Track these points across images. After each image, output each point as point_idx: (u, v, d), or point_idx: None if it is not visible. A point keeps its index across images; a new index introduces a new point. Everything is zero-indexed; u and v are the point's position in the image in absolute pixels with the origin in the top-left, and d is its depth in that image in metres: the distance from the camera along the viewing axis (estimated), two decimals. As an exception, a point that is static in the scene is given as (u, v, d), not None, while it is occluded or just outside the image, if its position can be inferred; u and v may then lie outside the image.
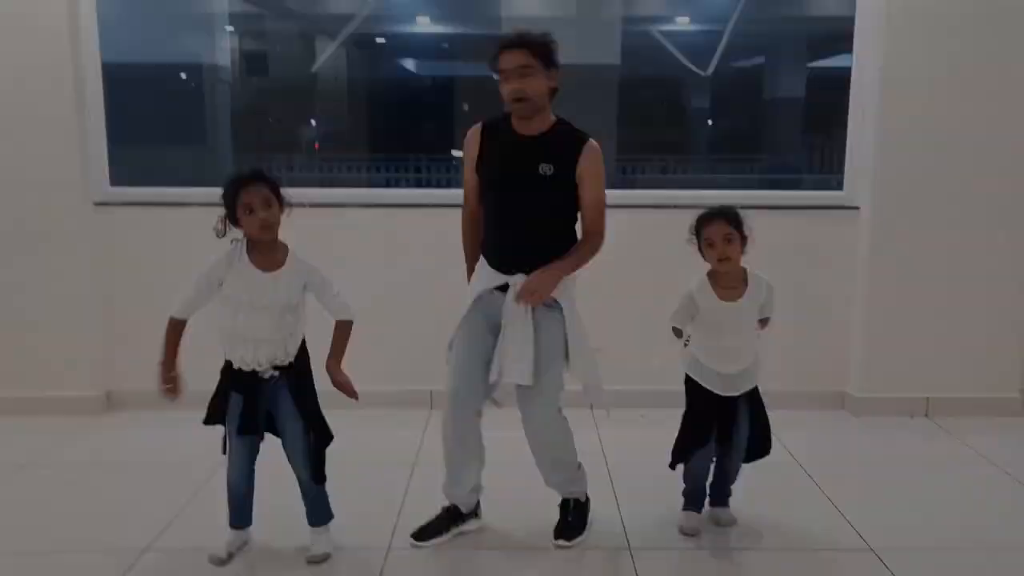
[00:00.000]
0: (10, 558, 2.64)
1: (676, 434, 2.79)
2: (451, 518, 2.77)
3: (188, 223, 3.39)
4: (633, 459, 3.42)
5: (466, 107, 5.49)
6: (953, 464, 3.47)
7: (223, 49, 6.37)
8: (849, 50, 4.00)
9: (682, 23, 8.04)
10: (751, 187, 6.59)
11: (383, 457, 3.45)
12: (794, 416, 3.62)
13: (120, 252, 3.95)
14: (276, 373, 2.46)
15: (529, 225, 2.60)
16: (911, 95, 3.78)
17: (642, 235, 3.91)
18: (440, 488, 2.78)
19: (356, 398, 2.53)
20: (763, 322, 2.74)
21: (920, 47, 3.75)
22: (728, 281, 2.64)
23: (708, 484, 2.84)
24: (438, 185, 6.47)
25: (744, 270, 2.66)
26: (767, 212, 3.96)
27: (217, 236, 2.42)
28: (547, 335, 2.58)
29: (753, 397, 2.76)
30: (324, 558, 2.57)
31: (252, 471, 2.57)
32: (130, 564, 2.57)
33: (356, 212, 4.05)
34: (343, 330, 2.57)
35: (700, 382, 2.71)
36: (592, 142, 2.57)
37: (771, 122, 8.32)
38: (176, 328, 2.48)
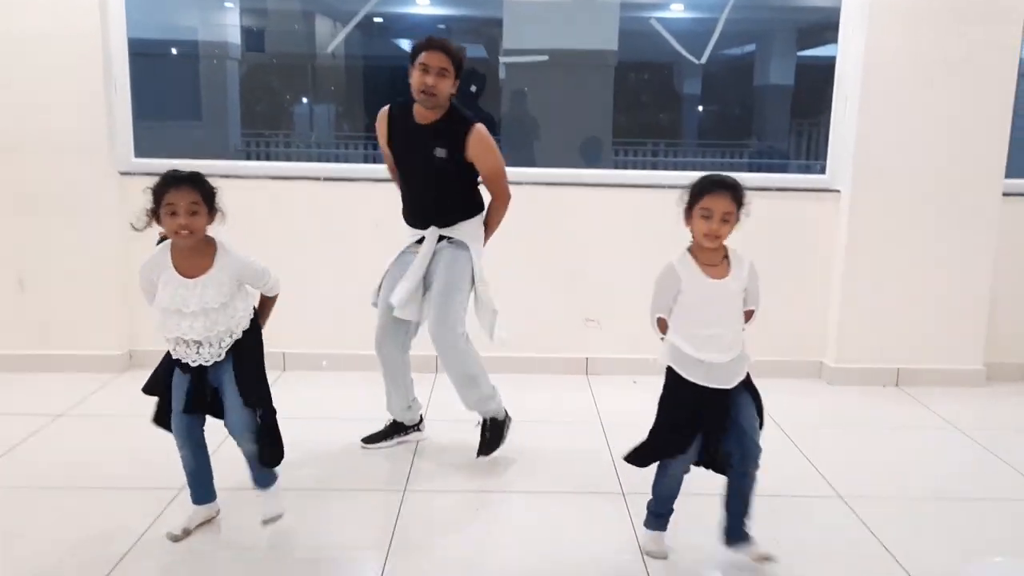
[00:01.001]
0: (65, 491, 2.91)
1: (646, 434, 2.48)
2: (395, 429, 3.38)
3: None
4: (625, 419, 3.70)
5: (473, 89, 5.70)
6: (919, 427, 3.76)
7: (233, 27, 6.55)
8: (836, 40, 4.26)
9: (677, 10, 8.26)
10: (739, 171, 6.81)
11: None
12: (773, 383, 3.85)
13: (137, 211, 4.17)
14: (221, 356, 2.45)
15: (434, 194, 3.11)
16: (891, 86, 4.05)
17: (634, 213, 4.20)
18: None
19: None
20: (748, 314, 2.46)
21: (900, 39, 4.01)
22: (710, 258, 2.39)
23: (723, 514, 2.50)
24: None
25: (725, 247, 2.41)
26: (753, 193, 4.25)
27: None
28: (450, 271, 3.08)
29: (750, 387, 2.45)
30: (277, 518, 2.59)
31: (202, 446, 2.57)
32: (169, 499, 2.82)
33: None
34: (269, 302, 2.63)
35: (684, 375, 2.38)
36: (476, 127, 2.99)
37: (761, 109, 8.55)
38: None
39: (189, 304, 2.36)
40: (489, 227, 3.20)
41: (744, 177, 4.62)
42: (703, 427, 2.39)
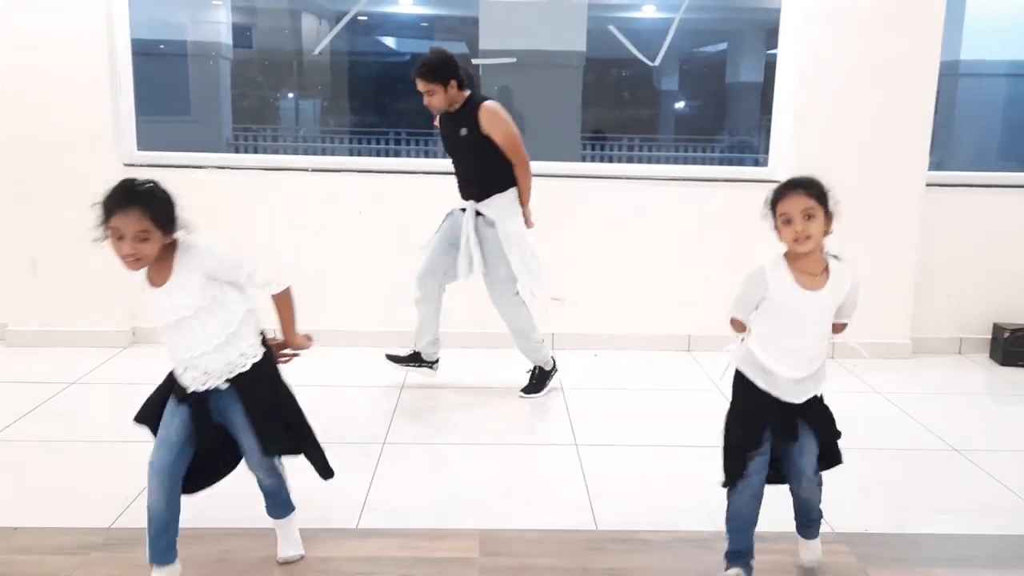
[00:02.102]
0: (86, 444, 3.32)
1: (722, 449, 2.33)
2: (414, 358, 4.01)
3: (203, 183, 4.33)
4: (585, 386, 4.15)
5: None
6: (848, 394, 4.18)
7: (224, 26, 6.90)
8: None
9: (648, 11, 8.67)
10: (707, 164, 7.21)
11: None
12: (714, 356, 4.34)
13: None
14: (225, 385, 2.21)
15: (466, 168, 3.83)
16: (825, 86, 4.48)
17: (594, 202, 4.64)
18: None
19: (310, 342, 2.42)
20: (840, 326, 2.29)
21: (833, 45, 4.44)
22: (807, 266, 2.19)
23: (794, 515, 2.42)
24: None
25: (826, 258, 2.22)
26: (702, 184, 4.72)
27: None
28: (487, 245, 3.76)
29: (820, 410, 2.32)
30: (297, 559, 2.46)
31: (178, 494, 2.24)
32: (177, 451, 3.22)
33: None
34: (282, 301, 2.33)
35: (755, 381, 2.25)
36: (484, 104, 3.68)
37: (732, 105, 8.97)
38: None
39: (164, 314, 2.13)
40: (522, 194, 3.80)
41: (693, 169, 5.16)
42: (772, 430, 2.25)
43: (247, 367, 2.20)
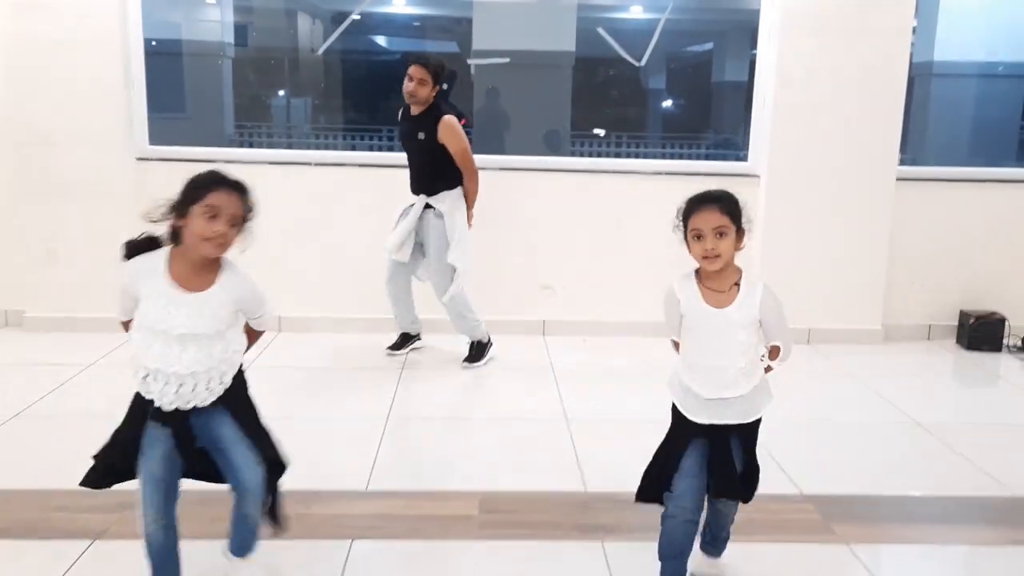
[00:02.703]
0: (109, 420, 3.52)
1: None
2: (406, 339, 4.50)
3: None
4: (573, 368, 4.41)
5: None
6: (822, 376, 4.45)
7: (227, 26, 7.12)
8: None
9: (635, 12, 8.92)
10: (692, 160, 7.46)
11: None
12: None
13: (157, 198, 4.77)
14: (207, 403, 2.06)
15: (419, 166, 4.21)
16: (800, 87, 4.74)
17: (584, 194, 4.90)
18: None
19: None
20: (773, 351, 2.19)
21: (808, 48, 4.70)
22: (716, 283, 2.12)
23: (703, 530, 2.32)
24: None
25: (740, 272, 2.15)
26: (683, 178, 4.98)
27: (146, 219, 2.06)
28: (434, 233, 4.17)
29: (748, 437, 2.21)
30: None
31: (176, 524, 2.12)
32: (195, 424, 3.46)
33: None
34: (253, 339, 2.25)
35: (677, 405, 2.20)
36: (444, 118, 4.06)
37: (718, 103, 9.23)
38: (127, 327, 2.12)
39: (176, 325, 1.97)
40: (468, 197, 4.22)
41: (674, 164, 5.42)
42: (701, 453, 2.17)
43: (225, 387, 2.08)
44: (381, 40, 9.81)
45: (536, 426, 3.63)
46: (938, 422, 3.74)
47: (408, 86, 4.08)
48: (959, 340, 5.03)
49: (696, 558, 2.34)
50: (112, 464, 2.14)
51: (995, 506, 2.99)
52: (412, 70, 4.06)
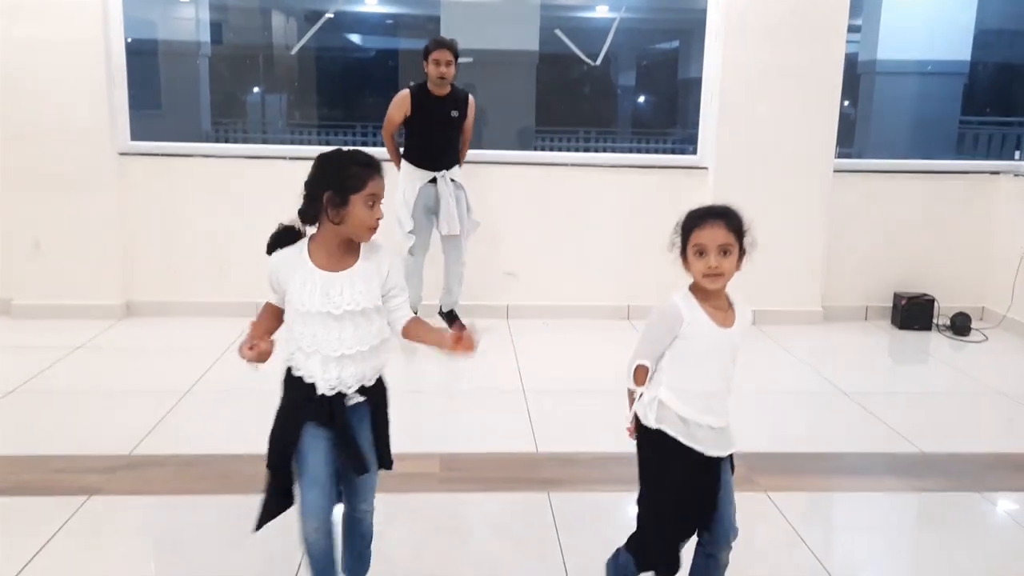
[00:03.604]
0: (99, 395, 3.81)
1: (636, 524, 2.11)
2: (451, 318, 4.88)
3: (190, 169, 4.99)
4: (534, 350, 4.73)
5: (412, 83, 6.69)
6: (765, 353, 4.79)
7: (203, 24, 7.36)
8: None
9: (600, 11, 9.24)
10: (656, 154, 7.79)
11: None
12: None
13: (138, 192, 5.04)
14: (362, 399, 2.06)
15: (447, 143, 4.65)
16: (744, 85, 5.08)
17: (545, 186, 5.21)
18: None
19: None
20: None
21: (751, 49, 5.04)
22: (716, 302, 2.01)
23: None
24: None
25: (726, 292, 2.04)
26: (638, 170, 5.31)
27: (303, 222, 2.04)
28: (461, 204, 4.68)
29: (730, 462, 2.08)
30: None
31: (331, 522, 2.08)
32: (178, 398, 3.74)
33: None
34: (415, 324, 2.13)
35: (681, 439, 1.97)
36: (471, 96, 4.67)
37: (684, 100, 9.55)
38: (269, 310, 2.10)
39: (338, 304, 1.96)
40: (462, 151, 4.78)
41: (628, 157, 5.75)
42: (699, 505, 2.02)
43: (374, 381, 2.08)
44: (353, 38, 10.06)
45: (495, 397, 3.94)
46: (864, 392, 4.09)
47: (440, 71, 4.44)
48: (893, 320, 5.40)
49: None
50: (283, 487, 2.04)
51: (903, 461, 3.34)
52: (440, 54, 4.43)
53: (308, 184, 2.01)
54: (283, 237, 2.06)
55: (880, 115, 7.26)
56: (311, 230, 2.05)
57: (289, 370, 2.04)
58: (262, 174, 5.11)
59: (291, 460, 2.01)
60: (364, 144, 8.11)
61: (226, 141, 7.61)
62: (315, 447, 1.99)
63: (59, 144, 4.84)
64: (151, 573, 2.52)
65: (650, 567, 2.07)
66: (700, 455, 1.98)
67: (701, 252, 1.96)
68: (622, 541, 2.16)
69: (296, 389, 2.02)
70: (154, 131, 5.36)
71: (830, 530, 2.92)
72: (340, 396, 2.00)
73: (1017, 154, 5.63)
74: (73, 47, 4.77)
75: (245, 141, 7.99)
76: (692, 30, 9.77)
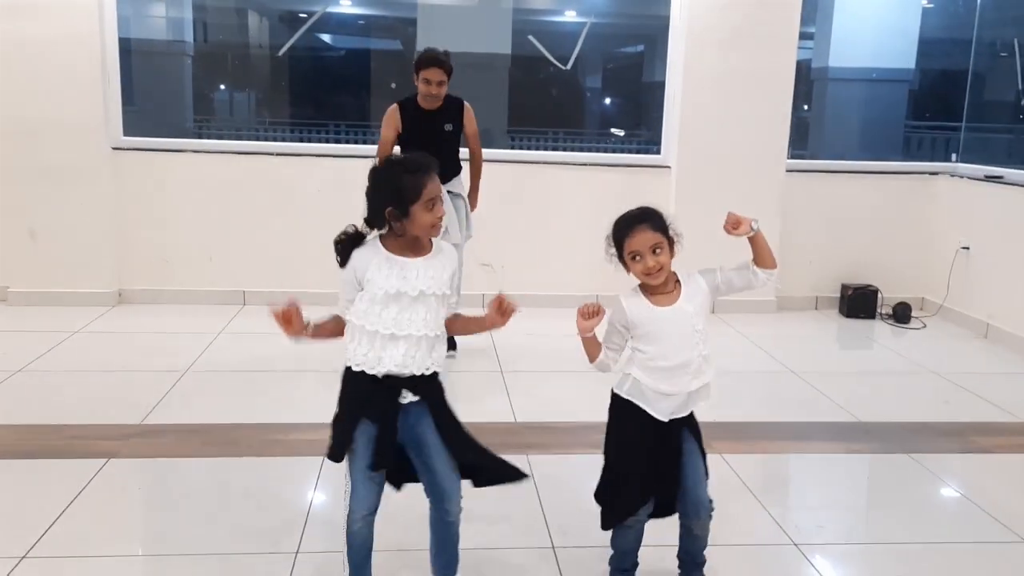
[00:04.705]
0: (102, 374, 4.08)
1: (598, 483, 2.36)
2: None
3: (180, 163, 5.26)
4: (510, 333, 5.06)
5: (394, 85, 6.93)
6: (722, 338, 5.15)
7: (187, 24, 7.57)
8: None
9: (569, 16, 9.59)
10: (620, 153, 8.15)
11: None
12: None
13: (131, 185, 5.28)
14: (415, 398, 2.16)
15: (447, 158, 4.31)
16: (704, 88, 5.46)
17: (517, 183, 5.54)
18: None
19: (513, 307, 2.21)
20: (761, 260, 2.42)
21: (710, 57, 5.42)
22: (660, 289, 2.24)
23: (678, 552, 2.41)
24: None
25: (674, 273, 2.27)
26: (603, 169, 5.66)
27: (369, 228, 2.15)
28: (461, 213, 4.46)
29: (693, 426, 2.31)
30: None
31: (373, 519, 2.20)
32: (178, 377, 4.01)
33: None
34: (456, 320, 2.29)
35: (642, 405, 2.23)
36: (466, 103, 4.39)
37: (648, 102, 9.92)
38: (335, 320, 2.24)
39: (415, 285, 2.09)
40: (476, 178, 4.58)
41: (594, 156, 6.10)
42: (659, 468, 2.24)
43: (432, 371, 2.18)
44: (326, 38, 10.28)
45: (474, 378, 4.26)
46: (810, 371, 4.49)
47: (431, 89, 4.14)
48: (840, 309, 5.82)
49: None
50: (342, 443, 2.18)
51: (841, 428, 3.74)
52: (431, 73, 4.11)
53: (368, 198, 2.12)
54: (354, 241, 2.15)
55: (832, 119, 7.71)
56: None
57: (348, 369, 2.17)
58: (249, 168, 5.38)
59: (348, 452, 2.14)
60: (337, 142, 8.39)
61: (206, 137, 7.82)
62: (368, 444, 2.12)
63: (54, 138, 5.06)
64: (172, 525, 2.80)
65: (608, 522, 2.32)
66: (655, 419, 2.22)
67: (636, 256, 2.19)
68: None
69: (356, 384, 2.15)
70: (150, 129, 5.61)
71: (776, 486, 3.30)
72: (396, 392, 2.12)
73: (954, 156, 6.07)
74: (69, 44, 5.00)
75: (219, 138, 8.19)
76: (657, 36, 10.21)
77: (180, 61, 7.49)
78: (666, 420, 2.22)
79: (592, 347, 2.29)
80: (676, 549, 2.45)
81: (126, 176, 5.27)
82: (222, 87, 8.73)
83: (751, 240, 2.38)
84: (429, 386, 2.18)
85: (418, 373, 2.13)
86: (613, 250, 2.24)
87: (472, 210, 4.54)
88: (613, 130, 8.24)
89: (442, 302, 2.15)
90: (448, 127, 4.32)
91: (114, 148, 5.23)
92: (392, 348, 2.10)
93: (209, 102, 8.43)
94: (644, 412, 2.23)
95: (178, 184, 5.34)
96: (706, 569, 2.43)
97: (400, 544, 2.55)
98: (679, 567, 2.44)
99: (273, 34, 9.41)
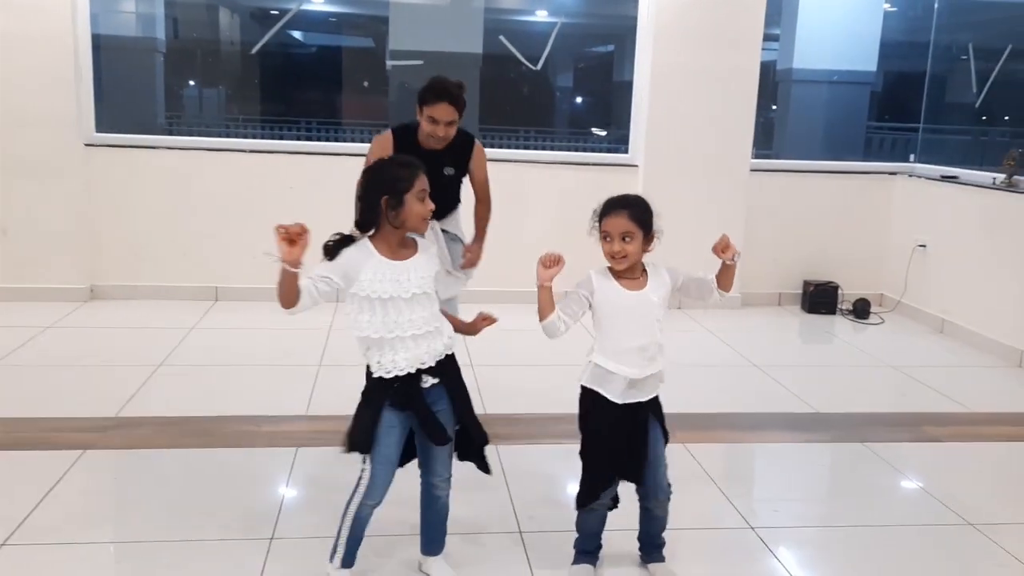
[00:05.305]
0: (77, 368, 4.11)
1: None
2: None
3: (152, 159, 5.29)
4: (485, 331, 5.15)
5: (366, 84, 6.97)
6: (688, 333, 5.30)
7: (159, 22, 7.58)
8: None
9: (540, 16, 9.69)
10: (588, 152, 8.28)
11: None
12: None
13: (103, 180, 5.30)
14: (436, 380, 2.29)
15: (438, 202, 3.74)
16: (672, 88, 5.58)
17: (492, 181, 5.61)
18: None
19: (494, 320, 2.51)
20: (724, 279, 2.49)
21: (677, 57, 5.55)
22: (629, 275, 2.36)
23: (638, 534, 2.55)
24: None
25: (643, 263, 2.39)
26: (572, 167, 5.76)
27: (363, 230, 2.24)
28: (455, 255, 3.57)
29: (657, 411, 2.44)
30: None
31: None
32: (153, 370, 4.06)
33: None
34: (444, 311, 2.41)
35: (602, 392, 2.34)
36: (477, 142, 3.45)
37: (618, 101, 10.06)
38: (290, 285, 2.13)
39: (409, 287, 2.21)
40: (484, 225, 3.67)
41: (563, 155, 6.21)
42: (627, 449, 2.36)
43: (450, 351, 2.35)
44: (297, 35, 10.29)
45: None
46: (771, 364, 4.63)
47: (437, 131, 3.15)
48: (802, 305, 5.98)
49: (651, 571, 2.53)
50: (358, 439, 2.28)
51: (800, 419, 3.88)
52: (440, 111, 3.12)
53: (364, 195, 2.22)
54: (343, 242, 2.22)
55: (796, 120, 7.90)
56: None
57: (369, 369, 2.28)
58: (221, 165, 5.42)
59: (372, 440, 2.24)
60: (308, 139, 8.43)
61: (177, 134, 7.83)
62: (390, 432, 2.25)
63: (27, 134, 5.07)
64: (147, 514, 2.85)
65: (581, 502, 2.44)
66: (617, 406, 2.34)
67: (607, 237, 2.32)
68: (559, 485, 2.58)
69: (380, 379, 2.25)
70: (120, 125, 5.63)
71: (736, 473, 3.43)
72: (416, 379, 2.25)
73: (912, 157, 6.26)
74: (41, 40, 5.01)
75: (191, 135, 8.19)
76: (626, 35, 10.34)
77: (152, 57, 7.48)
78: (621, 403, 2.33)
79: (546, 303, 2.35)
80: (637, 532, 2.56)
81: (98, 172, 5.28)
82: (193, 84, 8.73)
83: (726, 266, 2.47)
84: (447, 367, 2.34)
85: (434, 364, 2.28)
86: (597, 224, 2.36)
87: (473, 265, 3.69)
88: (594, 130, 8.34)
89: (434, 298, 2.30)
90: (449, 171, 3.35)
91: (86, 144, 5.25)
92: (403, 350, 2.23)
93: (181, 98, 8.43)
94: (607, 401, 2.34)
95: (150, 180, 5.36)
96: (667, 552, 2.55)
97: (382, 529, 2.63)
98: (640, 549, 2.57)
99: (245, 31, 9.42)
